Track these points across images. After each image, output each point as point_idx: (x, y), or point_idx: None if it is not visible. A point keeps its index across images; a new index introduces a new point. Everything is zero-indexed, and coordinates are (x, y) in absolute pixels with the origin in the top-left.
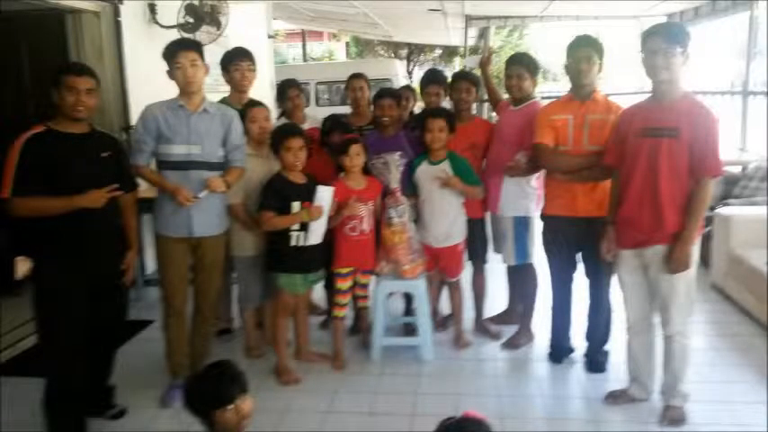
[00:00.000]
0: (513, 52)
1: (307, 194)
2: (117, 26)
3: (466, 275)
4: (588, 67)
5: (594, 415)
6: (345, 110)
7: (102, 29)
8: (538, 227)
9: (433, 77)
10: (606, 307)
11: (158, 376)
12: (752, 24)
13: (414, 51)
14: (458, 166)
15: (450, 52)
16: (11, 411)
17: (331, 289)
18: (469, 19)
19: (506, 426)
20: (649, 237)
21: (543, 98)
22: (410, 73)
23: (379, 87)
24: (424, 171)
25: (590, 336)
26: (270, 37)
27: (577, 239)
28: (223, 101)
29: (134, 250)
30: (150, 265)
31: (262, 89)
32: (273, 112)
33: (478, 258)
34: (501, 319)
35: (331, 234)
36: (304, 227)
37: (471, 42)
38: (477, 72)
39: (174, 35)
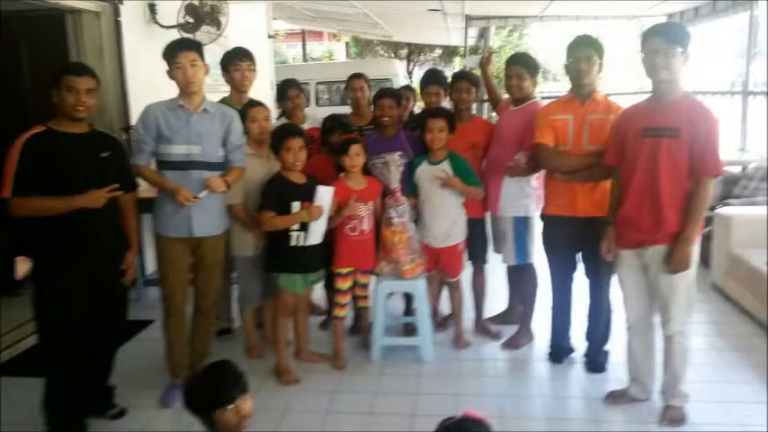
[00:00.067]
0: (513, 52)
1: (307, 194)
2: (117, 26)
3: (466, 275)
4: (588, 67)
5: (594, 415)
6: (345, 110)
7: (102, 29)
8: (538, 227)
9: (432, 77)
10: (606, 307)
11: (158, 376)
12: (752, 24)
13: (414, 51)
14: (458, 166)
15: (450, 52)
16: (11, 411)
17: (331, 289)
18: (469, 19)
19: (506, 426)
20: (649, 237)
21: (543, 98)
22: (410, 73)
23: (379, 87)
24: (424, 171)
25: (590, 336)
26: (270, 37)
27: (577, 239)
28: (223, 101)
29: (134, 250)
30: (150, 265)
31: (262, 89)
32: (273, 112)
33: (478, 258)
34: (501, 319)
35: (331, 234)
36: (304, 227)
37: (471, 42)
38: (477, 72)
39: (174, 35)
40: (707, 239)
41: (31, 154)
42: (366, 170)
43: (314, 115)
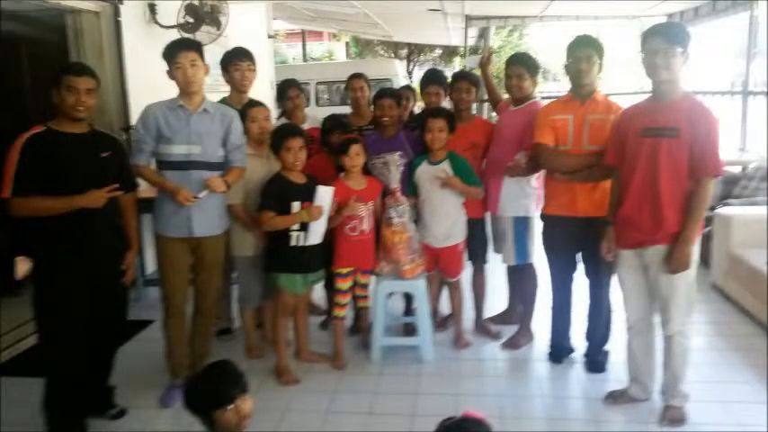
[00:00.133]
0: (513, 52)
1: (307, 194)
2: (117, 26)
3: (466, 275)
4: (588, 67)
5: (594, 415)
6: (345, 110)
7: (103, 29)
8: (538, 227)
9: (432, 77)
10: (606, 307)
11: (158, 376)
12: (752, 24)
13: (414, 51)
14: (458, 166)
15: (450, 52)
16: (11, 411)
17: (331, 289)
18: (469, 19)
19: (506, 426)
20: (649, 237)
21: (543, 98)
22: (410, 73)
23: (379, 87)
24: (424, 171)
25: (590, 336)
26: (270, 37)
27: (577, 239)
28: (223, 101)
29: (134, 250)
30: (150, 265)
31: (262, 89)
32: (273, 112)
33: (478, 258)
34: (501, 319)
35: (331, 234)
36: (304, 227)
37: (471, 42)
38: (477, 72)
39: (174, 35)
40: (707, 239)
41: (31, 154)
42: (366, 170)
43: (314, 115)
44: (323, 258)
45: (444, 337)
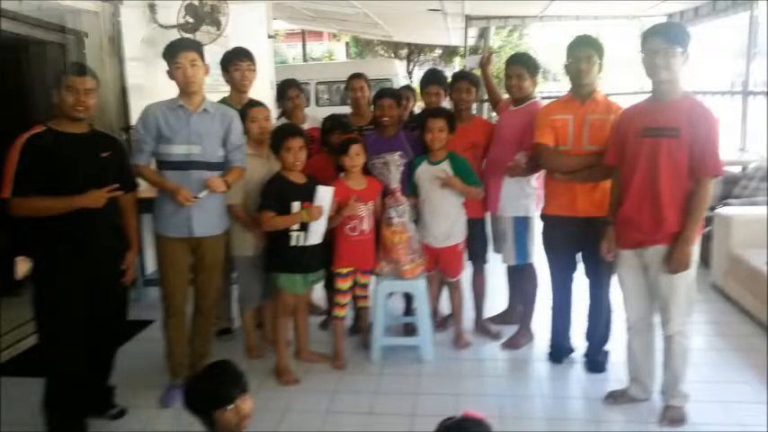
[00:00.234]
0: (513, 52)
1: (307, 194)
2: (117, 26)
3: (466, 275)
4: (588, 67)
5: (594, 415)
6: (345, 110)
7: (102, 29)
8: (538, 227)
9: (432, 77)
10: (606, 307)
11: (158, 376)
12: (752, 24)
13: (414, 51)
14: (458, 167)
15: (450, 52)
16: (11, 411)
17: (331, 289)
18: (469, 19)
19: (506, 426)
20: (649, 237)
21: (543, 98)
22: (410, 73)
23: (379, 87)
24: (424, 171)
25: (590, 336)
26: (270, 37)
27: (577, 239)
28: (223, 101)
29: (134, 250)
30: (150, 265)
31: (262, 89)
32: (273, 112)
33: (478, 258)
34: (501, 319)
35: (331, 234)
36: (304, 227)
37: (471, 42)
38: (477, 72)
39: (174, 35)
40: (707, 239)
41: (31, 154)
42: (366, 170)
43: (314, 115)
44: (323, 258)
45: (444, 337)
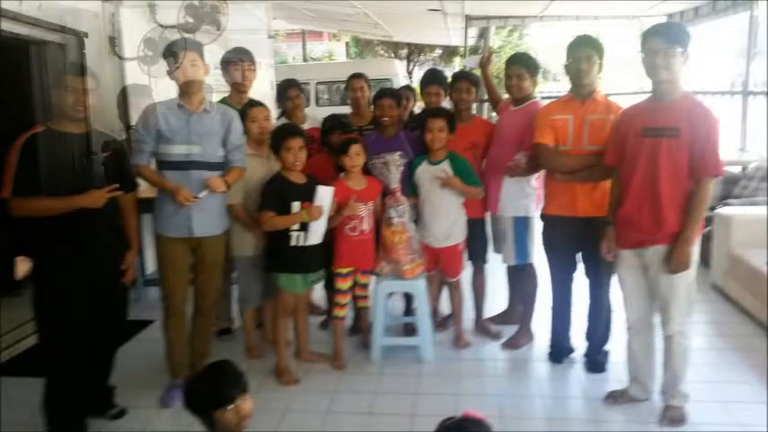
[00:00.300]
0: (513, 52)
1: (307, 194)
2: (117, 26)
3: (466, 275)
4: (588, 67)
5: (594, 415)
6: (345, 110)
7: (102, 29)
8: (538, 227)
9: (432, 77)
10: (606, 307)
11: (158, 376)
12: (752, 24)
13: (414, 51)
14: (458, 166)
15: (450, 52)
16: (11, 411)
17: (331, 289)
18: (469, 19)
19: (506, 426)
20: (649, 237)
21: (543, 98)
22: (410, 73)
23: (379, 87)
24: (424, 171)
25: (590, 336)
26: (270, 37)
27: (577, 239)
28: (223, 101)
29: (134, 250)
30: (150, 265)
31: (262, 89)
32: (273, 112)
33: (478, 258)
34: (501, 319)
35: (331, 234)
36: (304, 227)
37: (471, 42)
38: (477, 72)
39: (174, 35)
40: (707, 239)
41: (32, 154)
42: (366, 170)
43: (314, 115)
44: (323, 258)
45: (444, 337)
